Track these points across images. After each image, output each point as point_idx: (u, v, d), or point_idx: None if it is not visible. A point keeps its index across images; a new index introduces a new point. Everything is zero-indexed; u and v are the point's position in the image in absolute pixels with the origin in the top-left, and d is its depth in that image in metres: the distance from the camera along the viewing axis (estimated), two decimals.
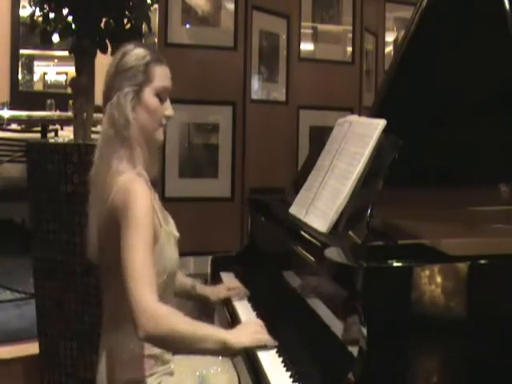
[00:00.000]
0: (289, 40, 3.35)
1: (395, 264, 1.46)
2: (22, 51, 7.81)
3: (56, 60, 8.18)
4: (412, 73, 2.24)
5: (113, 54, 2.68)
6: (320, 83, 3.46)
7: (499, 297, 1.52)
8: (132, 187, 1.61)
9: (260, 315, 1.98)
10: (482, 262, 1.51)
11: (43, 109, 6.34)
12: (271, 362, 1.63)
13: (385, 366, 1.42)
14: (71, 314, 2.67)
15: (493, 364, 1.50)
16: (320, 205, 1.91)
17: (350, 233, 1.70)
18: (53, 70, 8.33)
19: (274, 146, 3.22)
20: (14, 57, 7.74)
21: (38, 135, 4.96)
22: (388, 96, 2.29)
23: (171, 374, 1.76)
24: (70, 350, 2.69)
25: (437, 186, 2.05)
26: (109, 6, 2.82)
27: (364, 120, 1.99)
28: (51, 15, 2.86)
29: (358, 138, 1.89)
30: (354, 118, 2.07)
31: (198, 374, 1.78)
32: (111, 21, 2.86)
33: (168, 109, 1.75)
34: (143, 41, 3.06)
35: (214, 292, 2.12)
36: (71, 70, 4.94)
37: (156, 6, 3.05)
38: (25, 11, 7.08)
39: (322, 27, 3.60)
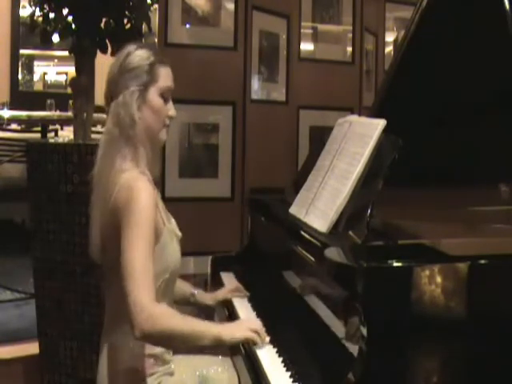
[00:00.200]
0: (289, 40, 3.34)
1: (395, 264, 1.46)
2: (22, 51, 7.81)
3: (56, 60, 8.19)
4: (412, 73, 2.24)
5: (113, 54, 2.70)
6: (320, 83, 3.45)
7: (499, 297, 1.52)
8: (135, 185, 1.61)
9: (260, 315, 1.98)
10: (482, 261, 1.51)
11: (43, 109, 6.32)
12: (271, 362, 1.63)
13: (385, 366, 1.42)
14: (71, 314, 2.67)
15: (493, 364, 1.50)
16: (320, 205, 1.90)
17: (350, 233, 1.70)
18: (53, 69, 8.34)
19: (274, 145, 3.22)
20: (14, 57, 7.74)
21: (38, 135, 4.97)
22: (388, 96, 2.29)
23: (171, 373, 1.76)
24: (70, 350, 2.69)
25: (437, 186, 2.05)
26: (109, 5, 2.82)
27: (364, 120, 1.99)
28: (51, 15, 2.86)
29: (358, 138, 1.89)
30: (354, 118, 2.07)
31: (198, 373, 1.78)
32: (111, 21, 2.87)
33: (171, 109, 1.76)
34: (143, 41, 3.06)
35: (213, 298, 2.12)
36: (71, 70, 4.94)
37: (156, 6, 3.05)
38: (25, 11, 7.08)
39: (321, 27, 3.60)
